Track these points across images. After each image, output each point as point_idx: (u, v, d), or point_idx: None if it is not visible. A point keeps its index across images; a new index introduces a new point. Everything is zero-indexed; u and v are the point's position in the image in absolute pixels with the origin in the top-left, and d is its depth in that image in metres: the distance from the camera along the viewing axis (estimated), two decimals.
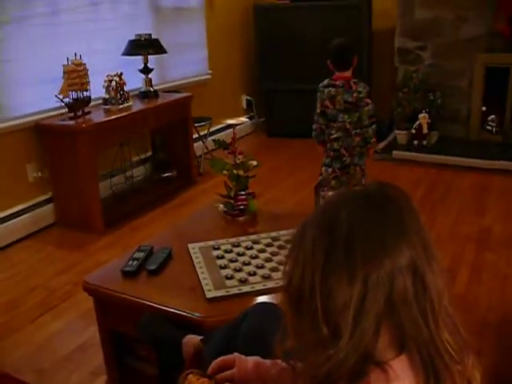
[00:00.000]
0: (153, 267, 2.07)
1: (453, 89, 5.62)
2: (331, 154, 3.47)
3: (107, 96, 4.16)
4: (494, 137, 5.55)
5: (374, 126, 3.48)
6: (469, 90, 5.59)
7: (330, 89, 3.41)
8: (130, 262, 2.11)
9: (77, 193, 3.89)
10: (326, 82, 3.47)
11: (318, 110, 3.48)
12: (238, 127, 2.61)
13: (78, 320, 2.80)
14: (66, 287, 3.15)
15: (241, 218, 2.54)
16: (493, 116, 5.57)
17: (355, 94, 3.37)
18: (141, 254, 2.17)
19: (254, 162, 2.56)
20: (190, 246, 2.24)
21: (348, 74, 3.42)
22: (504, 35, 5.26)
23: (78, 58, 3.84)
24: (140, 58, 4.51)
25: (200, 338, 1.59)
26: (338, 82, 3.39)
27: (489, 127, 5.61)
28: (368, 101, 3.42)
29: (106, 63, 4.37)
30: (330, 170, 3.46)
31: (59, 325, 2.79)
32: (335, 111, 3.39)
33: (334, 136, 3.43)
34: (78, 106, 3.90)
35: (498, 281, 3.09)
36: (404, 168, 5.17)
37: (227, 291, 1.89)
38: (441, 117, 5.58)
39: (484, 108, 5.59)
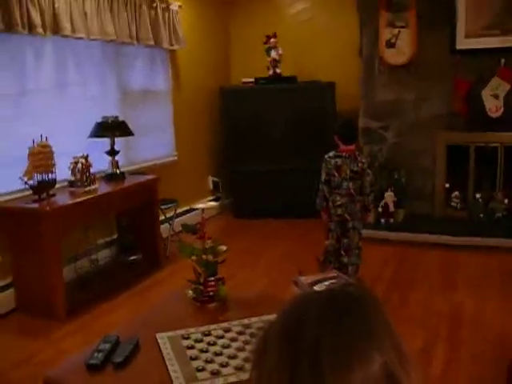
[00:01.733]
0: (119, 360, 1.95)
1: (416, 167, 5.73)
2: (335, 218, 3.75)
3: (73, 178, 4.11)
4: (459, 213, 5.63)
5: (372, 194, 3.87)
6: (432, 167, 5.71)
7: (337, 160, 3.71)
8: (95, 354, 1.99)
9: (39, 277, 3.75)
10: (331, 153, 3.78)
11: (323, 179, 3.77)
12: (202, 210, 2.57)
13: None
14: (25, 380, 2.97)
15: (210, 305, 2.45)
16: (456, 192, 5.68)
17: (360, 164, 3.71)
18: (106, 345, 2.06)
19: (224, 247, 2.50)
20: (158, 335, 2.14)
21: (352, 147, 3.77)
22: (462, 114, 5.44)
23: (43, 139, 3.81)
24: (107, 139, 4.50)
25: None
26: (344, 154, 3.72)
27: (453, 203, 5.70)
28: (369, 171, 3.79)
29: (72, 145, 4.34)
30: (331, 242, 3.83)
31: None
32: (340, 179, 3.70)
33: (339, 202, 3.72)
34: (43, 188, 3.83)
35: (476, 361, 3.02)
36: (373, 247, 5.15)
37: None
38: (406, 194, 5.66)
39: (447, 185, 5.70)
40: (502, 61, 5.23)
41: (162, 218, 4.98)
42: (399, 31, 5.54)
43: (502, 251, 4.84)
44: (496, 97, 5.31)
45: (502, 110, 5.29)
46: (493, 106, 5.33)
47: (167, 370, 1.88)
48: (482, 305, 3.78)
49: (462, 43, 5.38)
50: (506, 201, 5.44)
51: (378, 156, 5.77)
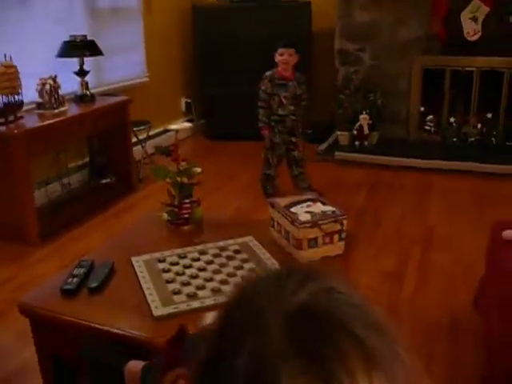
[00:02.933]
0: (94, 284, 1.94)
1: (392, 90, 5.67)
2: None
3: (41, 100, 3.96)
4: (433, 136, 5.64)
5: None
6: (407, 91, 5.66)
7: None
8: (70, 280, 1.97)
9: (10, 202, 3.68)
10: None
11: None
12: (175, 132, 2.50)
13: (14, 341, 2.63)
14: None
15: (185, 227, 2.43)
16: (431, 116, 5.66)
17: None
18: (81, 270, 2.03)
19: (198, 169, 2.46)
20: (133, 259, 2.12)
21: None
22: (440, 37, 5.35)
23: (7, 59, 3.63)
24: (75, 60, 4.33)
25: (143, 364, 1.47)
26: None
27: (427, 127, 5.69)
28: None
29: (39, 66, 4.16)
30: None
31: None
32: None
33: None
34: (10, 110, 3.70)
35: (445, 281, 3.10)
36: (346, 169, 5.18)
37: (175, 308, 1.78)
38: (381, 118, 5.62)
39: (422, 108, 5.68)
40: None
41: (134, 140, 4.89)
42: None
43: (474, 175, 4.88)
44: (475, 20, 5.22)
45: (480, 33, 5.20)
46: (471, 30, 5.24)
47: (143, 293, 1.88)
48: (453, 228, 3.84)
49: None
50: (479, 125, 5.45)
51: (354, 78, 5.69)
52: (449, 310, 2.80)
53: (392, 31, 5.55)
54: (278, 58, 4.10)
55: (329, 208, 2.17)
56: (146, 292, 1.88)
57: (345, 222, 2.11)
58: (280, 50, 4.08)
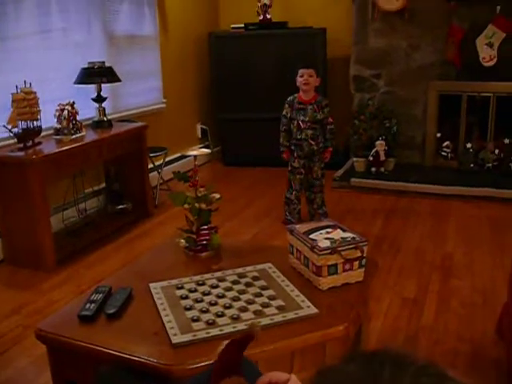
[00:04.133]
0: (112, 310, 1.92)
1: (408, 116, 5.66)
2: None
3: (59, 126, 4.00)
4: (449, 162, 5.61)
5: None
6: (423, 116, 5.66)
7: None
8: (88, 305, 1.96)
9: (27, 228, 3.69)
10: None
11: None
12: (193, 158, 2.50)
13: (30, 366, 2.61)
14: (15, 330, 2.94)
15: (203, 254, 2.42)
16: (447, 142, 5.64)
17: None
18: (98, 296, 2.02)
19: (217, 195, 2.45)
20: (151, 285, 2.10)
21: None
22: (455, 64, 5.35)
23: (27, 86, 3.68)
24: (93, 86, 4.38)
25: None
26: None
27: (444, 153, 5.67)
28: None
29: (58, 92, 4.21)
30: None
31: (10, 372, 2.59)
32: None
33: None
34: (28, 136, 3.73)
35: (465, 309, 3.04)
36: (363, 195, 5.16)
37: (194, 335, 1.75)
38: (397, 144, 5.62)
39: (439, 134, 5.66)
40: (498, 8, 5.12)
41: (150, 166, 4.91)
42: None
43: (491, 201, 4.84)
44: (490, 45, 5.22)
45: (496, 59, 5.20)
46: (487, 55, 5.24)
47: (161, 320, 1.86)
48: (472, 254, 3.79)
49: None
50: (497, 151, 5.41)
51: (369, 104, 5.69)
52: (469, 338, 2.74)
53: (407, 57, 5.57)
54: (298, 80, 4.12)
55: (348, 234, 2.14)
56: (165, 319, 1.85)
57: (365, 248, 2.08)
58: (300, 71, 4.11)
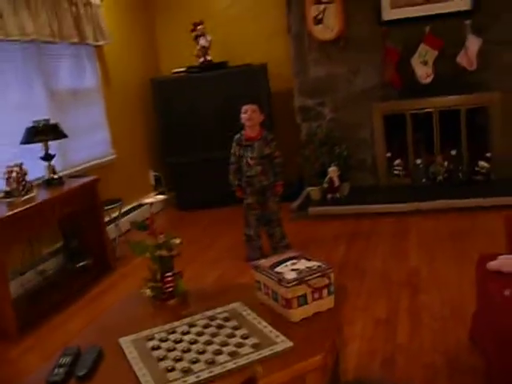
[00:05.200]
0: (83, 372, 1.85)
1: (356, 139, 5.77)
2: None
3: (8, 188, 3.91)
4: (402, 180, 5.72)
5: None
6: (371, 138, 5.76)
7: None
8: (56, 370, 1.88)
9: None
10: None
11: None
12: (148, 206, 2.47)
13: None
14: None
15: (171, 302, 2.37)
16: (398, 160, 5.75)
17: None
18: (67, 359, 1.95)
19: (177, 240, 2.42)
20: (120, 340, 2.05)
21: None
22: (394, 85, 5.49)
23: None
24: (40, 145, 4.31)
25: None
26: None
27: (396, 171, 5.77)
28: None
29: (4, 155, 4.14)
30: None
31: None
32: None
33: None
34: None
35: (437, 322, 3.06)
36: (322, 223, 5.18)
37: None
38: (349, 168, 5.70)
39: (389, 154, 5.77)
40: (427, 28, 5.31)
41: (107, 219, 4.83)
42: (325, 7, 5.53)
43: (447, 212, 4.93)
44: (425, 63, 5.39)
45: (432, 75, 5.37)
46: (423, 73, 5.41)
47: (135, 375, 1.80)
48: (436, 267, 3.84)
49: (389, 14, 5.44)
50: (446, 163, 5.55)
51: (318, 132, 5.78)
52: (444, 349, 2.76)
53: (348, 83, 5.70)
54: (243, 117, 4.15)
55: (314, 263, 2.14)
56: (139, 374, 1.80)
57: (332, 275, 2.08)
58: (243, 108, 4.15)
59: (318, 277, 2.05)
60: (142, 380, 1.76)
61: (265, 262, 2.23)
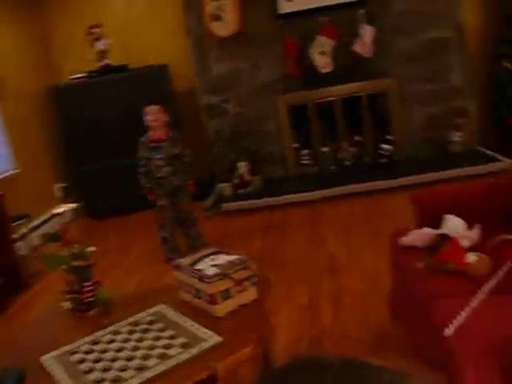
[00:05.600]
0: None
1: (263, 133, 5.83)
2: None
3: None
4: (311, 169, 5.83)
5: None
6: (278, 131, 5.84)
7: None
8: None
9: None
10: None
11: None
12: (59, 217, 2.41)
13: None
14: None
15: (91, 312, 2.31)
16: (305, 150, 5.86)
17: None
18: None
19: (92, 248, 2.36)
20: (42, 359, 1.97)
21: None
22: (294, 76, 5.59)
23: None
24: None
25: None
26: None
27: (304, 161, 5.88)
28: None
29: None
30: None
31: None
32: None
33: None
34: None
35: (358, 301, 3.15)
36: (237, 219, 5.20)
37: None
38: (259, 161, 5.75)
39: (296, 144, 5.86)
40: (324, 19, 5.43)
41: (16, 236, 4.62)
42: (222, 4, 5.54)
43: (357, 196, 5.09)
44: (323, 53, 5.52)
45: (331, 65, 5.50)
46: (322, 63, 5.53)
47: None
48: (352, 250, 3.95)
49: (284, 7, 5.52)
50: (352, 149, 5.72)
51: (224, 129, 5.80)
52: (368, 327, 2.85)
53: (251, 77, 5.74)
54: (146, 119, 4.09)
55: (233, 257, 2.15)
56: None
57: (253, 266, 2.10)
58: (147, 110, 4.08)
59: (240, 269, 2.07)
60: None
61: (185, 261, 2.22)
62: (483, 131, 5.70)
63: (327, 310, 3.12)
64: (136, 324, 2.09)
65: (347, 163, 5.72)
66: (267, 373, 0.53)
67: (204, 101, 5.86)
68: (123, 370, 1.79)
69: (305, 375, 0.51)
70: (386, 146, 5.63)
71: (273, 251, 4.22)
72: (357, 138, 5.72)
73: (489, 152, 5.40)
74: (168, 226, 4.26)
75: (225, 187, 5.69)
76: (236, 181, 5.63)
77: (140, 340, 1.96)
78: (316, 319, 3.04)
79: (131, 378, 1.74)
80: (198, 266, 2.11)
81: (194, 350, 1.81)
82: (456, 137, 5.53)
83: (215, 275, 2.02)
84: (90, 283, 2.32)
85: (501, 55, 5.49)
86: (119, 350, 1.92)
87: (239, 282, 2.05)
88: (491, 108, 5.73)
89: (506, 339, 1.63)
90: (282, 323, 3.04)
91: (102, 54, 5.81)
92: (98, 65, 5.87)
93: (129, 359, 1.84)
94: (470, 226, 2.43)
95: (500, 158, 5.19)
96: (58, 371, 1.86)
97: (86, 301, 2.31)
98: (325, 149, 5.80)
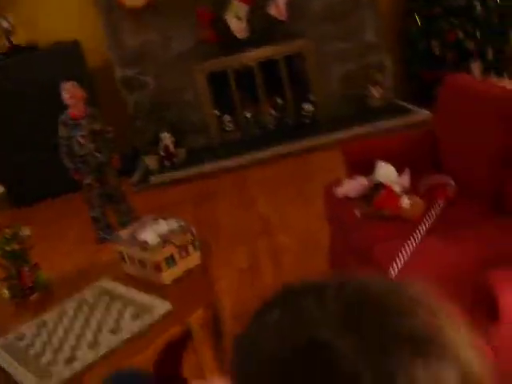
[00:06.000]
0: None
1: (184, 103, 5.76)
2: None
3: None
4: (235, 134, 5.83)
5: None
6: (198, 100, 5.78)
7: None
8: None
9: None
10: None
11: None
12: None
13: None
14: None
15: (33, 296, 2.24)
16: (227, 117, 5.84)
17: None
18: None
19: (26, 230, 2.28)
20: None
21: None
22: (210, 41, 5.53)
23: None
24: None
25: None
26: None
27: (227, 128, 5.86)
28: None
29: None
30: None
31: None
32: None
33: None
34: None
35: (296, 259, 3.22)
36: (166, 191, 5.16)
37: (58, 378, 1.63)
38: (182, 132, 5.69)
39: (217, 112, 5.83)
40: None
41: None
42: None
43: (284, 157, 5.15)
44: (239, 18, 5.48)
45: (247, 29, 5.47)
46: (238, 28, 5.49)
47: (15, 380, 1.69)
48: (285, 210, 4.01)
49: None
50: (273, 112, 5.76)
51: (144, 102, 5.69)
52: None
53: (166, 47, 5.63)
54: (64, 97, 3.96)
55: (173, 223, 2.14)
56: (19, 377, 1.70)
57: (194, 230, 2.10)
58: (62, 87, 3.95)
59: (181, 234, 2.06)
60: (25, 381, 1.66)
61: (124, 233, 2.19)
62: (399, 85, 5.87)
63: (267, 271, 3.17)
64: (82, 302, 2.05)
65: (270, 126, 5.76)
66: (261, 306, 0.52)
67: (120, 74, 5.71)
68: (76, 348, 1.75)
69: (303, 295, 0.52)
70: (307, 107, 5.70)
71: (206, 219, 4.22)
72: (278, 100, 5.75)
73: (406, 105, 5.58)
74: (97, 204, 4.17)
75: (150, 160, 5.61)
76: (161, 153, 5.56)
77: (88, 317, 1.92)
78: (258, 281, 3.09)
79: (85, 355, 1.71)
80: (139, 236, 2.08)
81: (146, 320, 1.80)
82: (374, 92, 5.68)
83: (157, 243, 2.00)
84: (29, 267, 2.25)
85: (411, 11, 5.64)
86: (68, 329, 1.88)
87: (182, 248, 2.04)
88: (405, 63, 5.90)
89: (448, 268, 1.71)
90: (225, 289, 3.06)
91: (7, 33, 5.52)
92: (4, 46, 5.57)
93: (80, 337, 1.81)
94: (400, 173, 2.52)
95: (417, 109, 5.38)
96: (6, 359, 1.81)
97: (25, 286, 2.24)
98: (247, 114, 5.81)
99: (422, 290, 0.52)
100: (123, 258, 2.17)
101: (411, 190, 2.39)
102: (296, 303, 0.51)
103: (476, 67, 5.36)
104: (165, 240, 2.01)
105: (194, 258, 2.09)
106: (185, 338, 1.15)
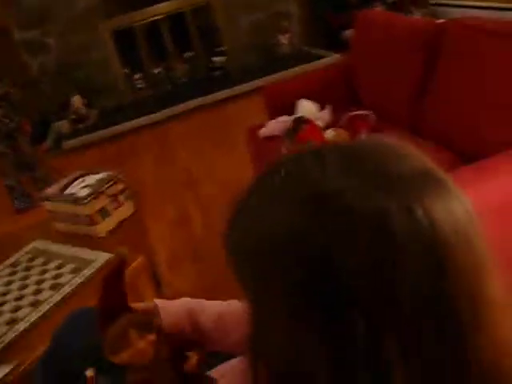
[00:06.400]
0: None
1: (91, 62, 5.56)
2: None
3: None
4: (147, 91, 5.72)
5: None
6: (105, 58, 5.59)
7: None
8: None
9: None
10: None
11: None
12: None
13: None
14: None
15: None
16: (138, 74, 5.70)
17: None
18: None
19: None
20: None
21: None
22: None
23: None
24: None
25: None
26: None
27: (139, 85, 5.73)
28: None
29: None
30: None
31: None
32: None
33: None
34: None
35: (220, 205, 3.22)
36: (82, 155, 5.01)
37: (2, 341, 1.58)
38: (92, 93, 5.51)
39: (127, 70, 5.67)
40: None
41: None
42: None
43: (200, 110, 5.11)
44: None
45: None
46: None
47: None
48: (208, 161, 4.00)
49: None
50: (184, 65, 5.68)
51: (49, 64, 5.44)
52: None
53: (67, 5, 5.36)
54: None
55: (101, 175, 2.10)
56: None
57: (123, 178, 2.07)
58: None
59: (111, 184, 2.03)
60: None
61: (51, 190, 2.12)
62: (307, 31, 5.91)
63: (197, 221, 3.17)
64: (15, 265, 1.98)
65: (182, 80, 5.68)
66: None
67: (20, 36, 5.41)
68: (16, 310, 1.70)
69: (301, 158, 0.53)
70: (217, 58, 5.65)
71: (129, 177, 4.11)
72: (188, 54, 5.67)
73: (315, 50, 5.64)
74: (11, 173, 4.00)
75: (62, 124, 5.42)
76: (72, 116, 5.37)
77: (25, 278, 1.86)
78: (189, 232, 3.08)
79: (27, 315, 1.66)
80: (69, 191, 2.03)
81: (87, 273, 1.77)
82: (283, 39, 5.70)
83: (88, 195, 1.96)
84: None
85: None
86: (5, 293, 1.82)
87: (114, 198, 2.01)
88: (311, 7, 5.93)
89: None
90: (158, 242, 3.04)
91: None
92: None
93: (19, 298, 1.76)
94: (321, 109, 2.56)
95: (326, 53, 5.45)
96: None
97: None
98: (157, 70, 5.69)
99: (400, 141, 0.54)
100: (54, 217, 2.11)
101: (333, 124, 2.45)
102: (295, 165, 0.52)
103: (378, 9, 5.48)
104: (96, 191, 1.97)
105: (127, 208, 2.07)
106: (121, 270, 1.14)
